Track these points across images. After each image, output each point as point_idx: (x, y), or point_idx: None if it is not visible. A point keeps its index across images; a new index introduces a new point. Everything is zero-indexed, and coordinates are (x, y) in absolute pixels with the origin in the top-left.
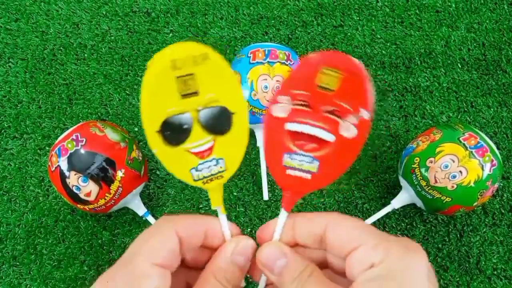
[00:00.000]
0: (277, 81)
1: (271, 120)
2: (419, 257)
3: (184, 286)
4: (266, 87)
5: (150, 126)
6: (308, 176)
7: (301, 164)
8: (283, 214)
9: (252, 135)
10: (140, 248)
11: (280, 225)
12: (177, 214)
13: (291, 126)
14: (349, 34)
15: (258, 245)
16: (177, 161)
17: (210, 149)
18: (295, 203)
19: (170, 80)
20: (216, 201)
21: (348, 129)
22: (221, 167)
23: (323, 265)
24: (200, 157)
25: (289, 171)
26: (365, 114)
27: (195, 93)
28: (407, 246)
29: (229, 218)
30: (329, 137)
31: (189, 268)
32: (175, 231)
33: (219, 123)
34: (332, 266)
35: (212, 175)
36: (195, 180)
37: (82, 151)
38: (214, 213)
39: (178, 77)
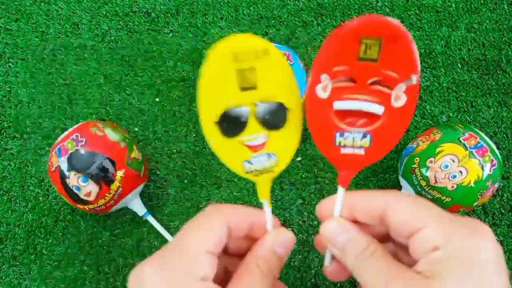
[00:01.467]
0: None
1: (315, 101)
2: (486, 238)
3: (222, 271)
4: None
5: (208, 117)
6: (362, 151)
7: (354, 141)
8: (340, 190)
9: None
10: (193, 234)
11: (339, 201)
12: (224, 203)
13: (338, 105)
14: None
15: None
16: (231, 152)
17: (264, 143)
18: (351, 179)
19: (231, 72)
20: (264, 194)
21: (398, 99)
22: (272, 162)
23: (386, 239)
24: (254, 150)
25: (343, 150)
26: (414, 79)
27: (253, 87)
28: (473, 226)
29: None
30: (380, 109)
31: (228, 255)
32: (224, 220)
33: (275, 118)
34: (395, 241)
35: (263, 169)
36: (246, 172)
37: (82, 151)
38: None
39: (239, 70)
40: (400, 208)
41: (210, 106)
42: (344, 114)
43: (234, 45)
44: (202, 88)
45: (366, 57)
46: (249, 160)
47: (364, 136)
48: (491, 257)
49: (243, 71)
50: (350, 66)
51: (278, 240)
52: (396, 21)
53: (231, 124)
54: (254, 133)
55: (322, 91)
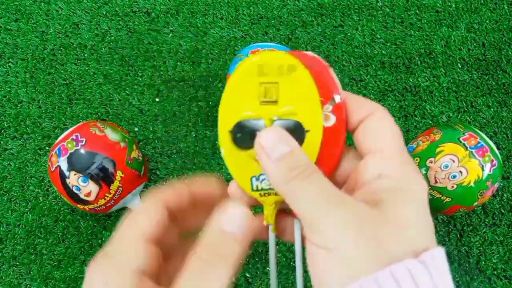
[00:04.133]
0: None
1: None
2: (420, 186)
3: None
4: None
5: (224, 124)
6: None
7: None
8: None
9: None
10: (129, 221)
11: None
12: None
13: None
14: (349, 34)
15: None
16: (240, 165)
17: None
18: None
19: (254, 84)
20: (268, 218)
21: (327, 118)
22: None
23: None
24: None
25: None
26: (337, 98)
27: (274, 102)
28: (414, 171)
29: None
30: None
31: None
32: (161, 201)
33: None
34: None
35: (270, 189)
36: (253, 190)
37: (82, 151)
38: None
39: (261, 83)
40: (372, 126)
41: (228, 114)
42: None
43: (261, 58)
44: (225, 95)
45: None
46: (258, 177)
47: None
48: (420, 199)
49: (265, 84)
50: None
51: (224, 218)
52: (310, 53)
53: (246, 135)
54: None
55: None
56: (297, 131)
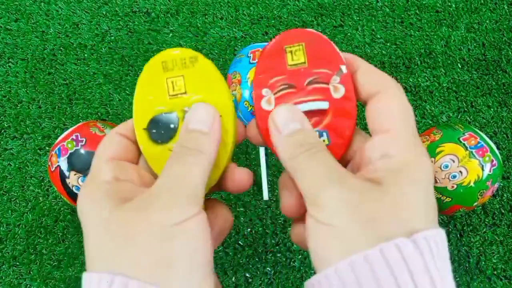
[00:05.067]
0: None
1: (263, 115)
2: (425, 167)
3: None
4: None
5: (139, 123)
6: None
7: None
8: None
9: None
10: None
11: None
12: None
13: None
14: (349, 34)
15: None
16: (160, 160)
17: None
18: None
19: (161, 81)
20: None
21: (337, 90)
22: None
23: None
24: None
25: None
26: (343, 68)
27: (183, 94)
28: (420, 152)
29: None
30: (324, 105)
31: None
32: (117, 133)
33: None
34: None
35: None
36: None
37: (82, 151)
38: None
39: (168, 78)
40: (381, 105)
41: (141, 113)
42: None
43: (163, 56)
44: (136, 96)
45: (295, 63)
46: None
47: (321, 135)
48: (424, 180)
49: (172, 79)
50: (284, 74)
51: (189, 117)
52: (310, 30)
53: (162, 130)
54: None
55: (267, 104)
56: None
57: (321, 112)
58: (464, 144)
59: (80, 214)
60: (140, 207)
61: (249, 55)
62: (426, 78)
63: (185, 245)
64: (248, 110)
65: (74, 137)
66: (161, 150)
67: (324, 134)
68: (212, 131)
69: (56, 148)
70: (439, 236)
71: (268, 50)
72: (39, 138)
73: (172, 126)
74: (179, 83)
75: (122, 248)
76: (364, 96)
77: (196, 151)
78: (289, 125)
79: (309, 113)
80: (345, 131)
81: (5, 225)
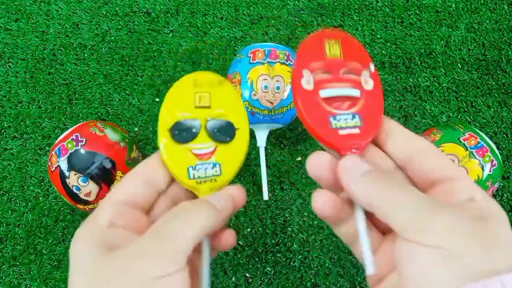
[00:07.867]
0: (277, 81)
1: (303, 94)
2: (504, 212)
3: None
4: (266, 87)
5: (164, 124)
6: (357, 130)
7: (347, 122)
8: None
9: (252, 135)
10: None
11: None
12: None
13: (324, 93)
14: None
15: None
16: (178, 157)
17: (211, 153)
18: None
19: (190, 93)
20: None
21: (367, 82)
22: (216, 171)
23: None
24: (200, 158)
25: (341, 132)
26: (371, 67)
27: (208, 107)
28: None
29: (229, 218)
30: (356, 92)
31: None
32: (140, 174)
33: (223, 133)
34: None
35: (206, 177)
36: (190, 178)
37: (82, 151)
38: None
39: (196, 93)
40: (431, 156)
41: (167, 116)
42: (329, 101)
43: (196, 75)
44: (164, 103)
45: (332, 54)
46: (194, 167)
47: (354, 117)
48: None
49: (199, 93)
50: (323, 61)
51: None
52: (345, 32)
53: (184, 132)
54: (203, 143)
55: (307, 84)
56: (229, 128)
57: (354, 98)
58: (464, 144)
59: (70, 252)
60: (126, 257)
61: (249, 55)
62: (426, 78)
63: None
64: (248, 110)
65: (74, 137)
66: (181, 149)
67: (357, 116)
68: (223, 210)
69: (56, 148)
70: None
71: (310, 39)
72: (39, 138)
73: (194, 130)
74: (205, 98)
75: None
76: (426, 180)
77: (204, 207)
78: (359, 167)
79: (343, 98)
80: (376, 116)
81: (5, 225)
